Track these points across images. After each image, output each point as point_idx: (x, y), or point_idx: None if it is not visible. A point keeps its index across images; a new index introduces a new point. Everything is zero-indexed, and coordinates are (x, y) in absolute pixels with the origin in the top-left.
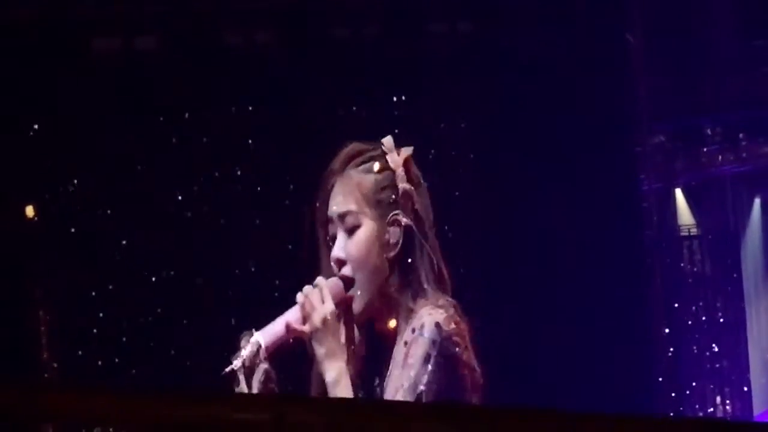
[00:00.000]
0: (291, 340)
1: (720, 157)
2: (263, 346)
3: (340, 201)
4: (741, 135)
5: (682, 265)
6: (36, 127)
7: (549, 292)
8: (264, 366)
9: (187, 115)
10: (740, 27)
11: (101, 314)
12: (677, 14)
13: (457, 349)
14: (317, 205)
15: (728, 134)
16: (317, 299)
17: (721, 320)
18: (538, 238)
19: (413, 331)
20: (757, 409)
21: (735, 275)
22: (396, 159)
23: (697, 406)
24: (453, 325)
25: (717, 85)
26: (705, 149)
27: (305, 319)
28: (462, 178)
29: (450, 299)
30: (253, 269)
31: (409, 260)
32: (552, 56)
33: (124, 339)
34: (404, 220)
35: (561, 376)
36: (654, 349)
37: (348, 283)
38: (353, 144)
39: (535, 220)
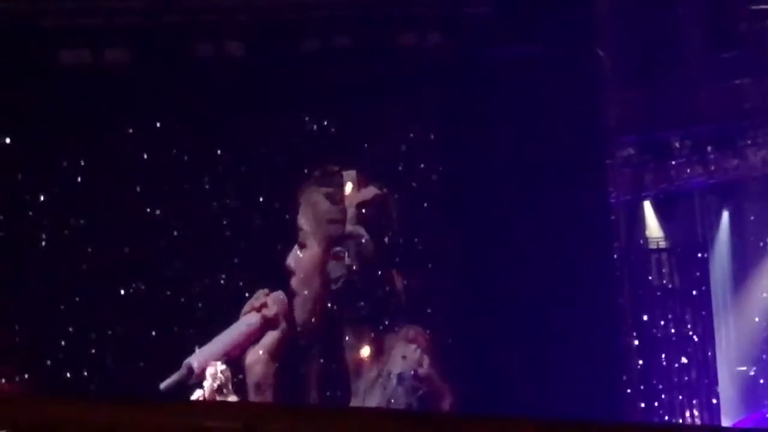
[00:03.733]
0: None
1: (689, 170)
2: (196, 369)
3: (299, 214)
4: (709, 148)
5: (650, 277)
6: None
7: (517, 304)
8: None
9: (157, 125)
10: (709, 40)
11: (70, 324)
12: (646, 28)
13: (433, 385)
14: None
15: (697, 147)
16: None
17: (690, 333)
18: (506, 250)
19: (389, 375)
20: (726, 422)
21: (703, 288)
22: (352, 198)
23: (666, 418)
24: (426, 360)
25: (686, 98)
26: (674, 162)
27: (271, 321)
28: (430, 192)
29: (419, 328)
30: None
31: (361, 295)
32: (522, 70)
33: (93, 350)
34: (347, 260)
35: (531, 387)
36: (623, 361)
37: (291, 294)
38: (326, 165)
39: (503, 231)
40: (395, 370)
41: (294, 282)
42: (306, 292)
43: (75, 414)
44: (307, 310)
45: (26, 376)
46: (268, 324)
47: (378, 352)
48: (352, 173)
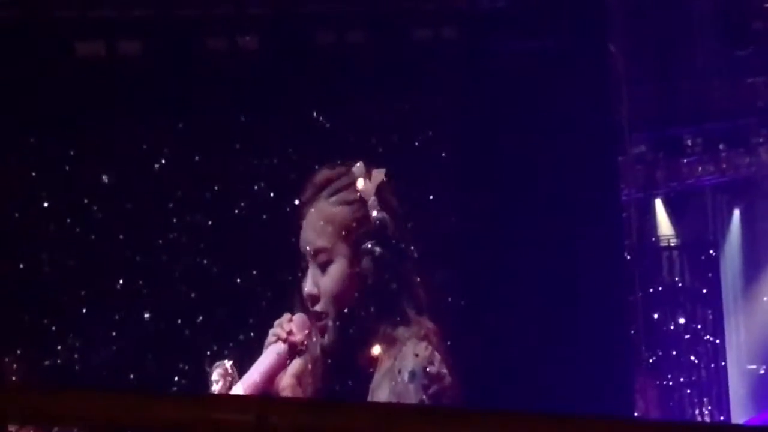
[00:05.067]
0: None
1: (700, 168)
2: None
3: (312, 236)
4: (721, 145)
5: (661, 275)
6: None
7: (529, 300)
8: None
9: (170, 120)
10: (722, 37)
11: (88, 317)
12: (660, 24)
13: (443, 381)
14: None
15: (709, 145)
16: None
17: (700, 331)
18: (517, 246)
19: (399, 372)
20: (736, 420)
21: (714, 286)
22: (368, 188)
23: (675, 416)
24: (438, 357)
25: (698, 95)
26: (685, 160)
27: (295, 347)
28: (442, 187)
29: (431, 325)
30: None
31: (386, 289)
32: (534, 65)
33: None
34: (378, 250)
35: (540, 384)
36: (633, 358)
37: (318, 317)
38: (322, 171)
39: (514, 228)
40: (406, 367)
41: (321, 305)
42: (335, 310)
43: (78, 405)
44: (338, 327)
45: (35, 369)
46: (295, 350)
47: (389, 348)
48: (360, 165)
